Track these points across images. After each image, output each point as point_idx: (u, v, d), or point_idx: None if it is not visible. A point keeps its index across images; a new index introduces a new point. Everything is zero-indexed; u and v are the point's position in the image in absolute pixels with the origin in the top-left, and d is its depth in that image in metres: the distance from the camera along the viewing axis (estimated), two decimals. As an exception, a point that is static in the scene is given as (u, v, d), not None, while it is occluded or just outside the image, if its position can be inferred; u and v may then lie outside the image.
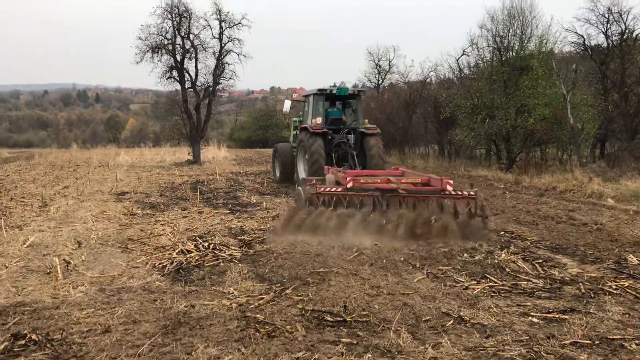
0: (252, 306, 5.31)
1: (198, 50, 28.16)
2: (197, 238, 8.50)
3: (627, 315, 5.12)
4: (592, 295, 5.77)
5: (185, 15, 27.52)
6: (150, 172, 23.10)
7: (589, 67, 22.95)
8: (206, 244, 8.01)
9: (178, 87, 29.00)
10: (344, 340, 4.46)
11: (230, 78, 28.99)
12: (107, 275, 6.48)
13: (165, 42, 27.60)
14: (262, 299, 5.54)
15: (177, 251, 7.61)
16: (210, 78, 28.63)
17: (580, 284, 6.13)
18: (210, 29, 28.11)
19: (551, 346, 4.35)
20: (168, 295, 5.69)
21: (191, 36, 27.91)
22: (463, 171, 22.02)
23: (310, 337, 4.53)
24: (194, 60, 28.34)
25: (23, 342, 4.38)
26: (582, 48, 23.81)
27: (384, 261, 7.02)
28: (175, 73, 28.18)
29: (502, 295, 5.78)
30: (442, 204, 8.96)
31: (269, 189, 16.39)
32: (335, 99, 16.63)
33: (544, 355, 4.17)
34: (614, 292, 5.85)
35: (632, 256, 7.40)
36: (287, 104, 18.05)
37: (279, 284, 6.06)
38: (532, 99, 20.66)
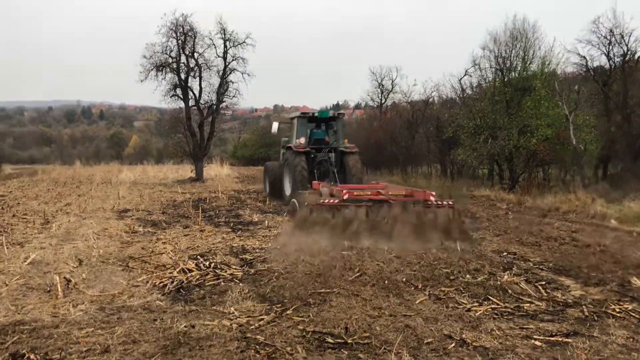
0: (253, 327, 5.27)
1: (202, 69, 28.36)
2: (199, 257, 8.48)
3: (631, 340, 5.06)
4: (596, 318, 5.72)
5: (190, 34, 27.75)
6: (152, 190, 23.11)
7: (592, 88, 23.03)
8: (207, 263, 7.99)
9: (182, 104, 29.14)
10: (344, 362, 4.42)
11: (233, 96, 29.16)
12: (108, 294, 6.45)
13: (170, 60, 27.80)
14: (262, 319, 5.50)
15: (178, 270, 7.59)
16: (214, 96, 28.80)
17: (584, 306, 6.08)
18: (215, 47, 28.34)
19: (554, 370, 4.30)
20: (168, 314, 5.66)
21: (196, 55, 28.13)
22: (465, 191, 21.97)
23: (311, 359, 4.49)
24: (198, 78, 28.53)
25: (21, 361, 4.35)
26: (584, 69, 23.92)
27: (386, 282, 6.98)
28: (179, 91, 28.34)
29: (505, 317, 5.74)
30: (426, 211, 10.18)
31: (271, 207, 16.38)
32: (319, 121, 18.10)
33: (547, 379, 4.12)
34: (618, 315, 5.80)
35: (636, 279, 7.34)
36: (275, 126, 19.74)
37: (280, 304, 6.03)
38: (535, 120, 20.71)
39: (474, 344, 4.90)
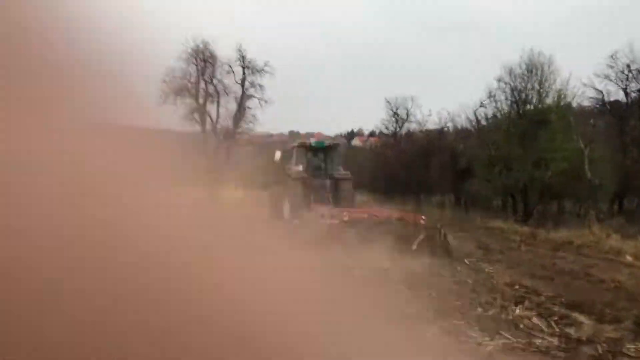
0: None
1: (220, 95, 28.72)
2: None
3: (646, 381, 4.92)
4: (610, 357, 5.56)
5: (209, 60, 28.19)
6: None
7: (608, 123, 22.92)
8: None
9: (199, 129, 29.45)
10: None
11: (250, 122, 29.44)
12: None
13: (189, 85, 28.21)
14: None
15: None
16: (230, 121, 29.08)
17: (598, 344, 5.93)
18: (233, 74, 28.73)
19: (566, 410, 4.18)
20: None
21: (214, 81, 28.53)
22: (479, 222, 21.79)
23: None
24: (215, 103, 28.88)
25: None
26: (600, 103, 23.84)
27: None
28: (197, 115, 28.68)
29: (517, 353, 5.61)
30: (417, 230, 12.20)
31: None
32: (316, 150, 19.78)
33: (559, 420, 4.00)
34: (633, 355, 5.64)
35: (651, 317, 7.17)
36: (278, 154, 20.96)
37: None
38: (550, 153, 20.60)
39: (484, 379, 4.79)
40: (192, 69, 28.16)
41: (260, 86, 28.77)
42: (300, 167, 18.82)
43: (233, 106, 29.02)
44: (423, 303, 7.48)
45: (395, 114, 41.12)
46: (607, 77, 22.70)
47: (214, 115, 29.01)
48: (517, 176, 20.99)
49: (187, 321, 0.58)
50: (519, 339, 6.04)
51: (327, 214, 12.97)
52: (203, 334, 0.58)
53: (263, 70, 28.64)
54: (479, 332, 6.24)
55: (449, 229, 18.68)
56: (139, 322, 0.55)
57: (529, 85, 22.88)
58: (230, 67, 28.60)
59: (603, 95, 23.25)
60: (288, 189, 18.08)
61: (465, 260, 11.45)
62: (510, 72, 23.24)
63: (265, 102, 28.93)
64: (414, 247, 10.85)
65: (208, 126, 29.16)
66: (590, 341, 6.08)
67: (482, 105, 28.75)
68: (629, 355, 5.62)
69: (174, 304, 0.58)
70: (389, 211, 14.07)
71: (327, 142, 20.39)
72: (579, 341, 6.08)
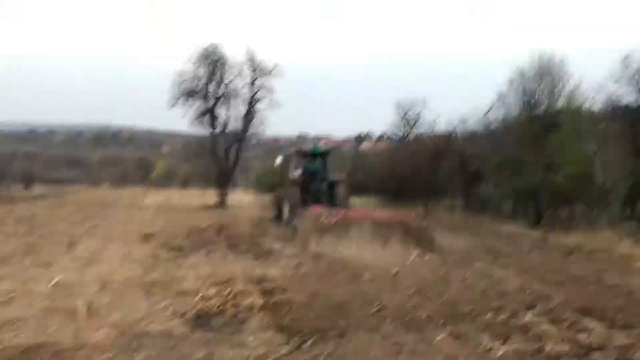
0: (270, 359, 5.25)
1: (230, 97, 28.83)
2: (220, 284, 8.50)
3: (657, 387, 4.91)
4: (621, 363, 5.56)
5: (219, 63, 28.30)
6: (177, 214, 23.33)
7: (620, 126, 22.77)
8: (228, 291, 8.00)
9: (209, 131, 29.57)
10: (362, 399, 4.37)
11: (259, 125, 29.52)
12: (129, 319, 6.49)
13: (199, 88, 28.34)
14: (280, 351, 5.48)
15: (199, 296, 7.61)
16: (240, 124, 29.18)
17: (609, 350, 5.93)
18: (243, 77, 28.82)
19: (577, 417, 4.19)
20: (187, 342, 5.68)
21: (224, 83, 28.62)
22: (489, 226, 21.72)
23: (329, 394, 4.45)
24: (225, 106, 28.98)
25: (43, 384, 4.40)
26: (612, 107, 23.68)
27: (406, 318, 6.91)
28: (206, 118, 28.80)
29: (527, 358, 5.62)
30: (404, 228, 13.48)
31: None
32: (313, 155, 21.26)
33: None
34: (644, 361, 5.63)
35: (663, 323, 7.14)
36: (279, 159, 23.01)
37: (298, 336, 6.00)
38: (561, 157, 20.50)
39: (495, 385, 4.81)
40: (202, 71, 28.31)
41: (269, 89, 28.85)
42: (299, 172, 20.31)
43: (242, 109, 29.15)
44: (433, 308, 7.50)
45: (405, 117, 41.12)
46: (619, 80, 22.56)
47: (223, 118, 29.15)
48: (528, 180, 20.90)
49: None
50: (530, 345, 6.05)
51: (325, 214, 14.19)
52: None
53: (272, 72, 28.70)
54: (489, 338, 6.25)
55: (458, 232, 18.70)
56: None
57: (540, 88, 22.79)
58: (240, 69, 28.72)
59: (615, 99, 23.12)
60: (287, 192, 19.60)
61: (476, 265, 11.44)
62: (521, 74, 23.18)
63: (275, 104, 28.99)
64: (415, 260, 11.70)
65: (218, 129, 29.28)
66: (601, 347, 6.08)
67: (492, 108, 28.67)
68: (640, 362, 5.61)
69: None
70: (381, 212, 16.25)
71: (322, 148, 22.26)
72: (590, 347, 6.08)
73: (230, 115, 29.18)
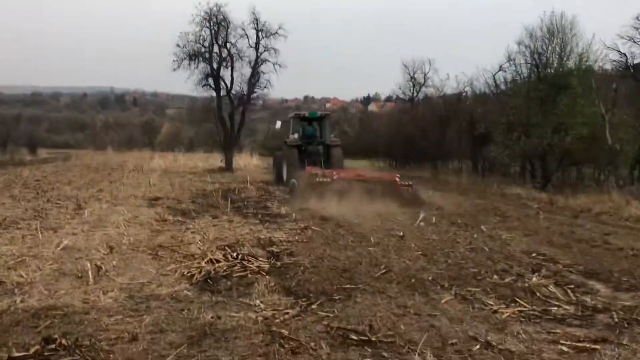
0: (278, 320, 5.33)
1: (234, 59, 28.60)
2: (226, 247, 8.57)
3: (661, 349, 4.96)
4: (626, 325, 5.61)
5: (223, 24, 27.99)
6: (183, 178, 23.43)
7: (631, 87, 22.49)
8: (235, 254, 8.06)
9: (213, 94, 29.44)
10: (368, 360, 4.45)
11: (265, 87, 29.34)
12: (137, 282, 6.59)
13: (203, 50, 28.08)
14: (287, 313, 5.56)
15: (206, 260, 7.68)
16: (245, 86, 29.03)
17: (614, 312, 5.98)
18: (247, 38, 28.55)
19: (580, 377, 4.25)
20: (195, 305, 5.76)
21: (228, 45, 28.40)
22: (496, 189, 21.72)
23: (335, 356, 4.53)
24: (229, 68, 28.78)
25: (53, 346, 4.48)
26: (623, 67, 23.35)
27: (412, 280, 6.97)
28: (211, 81, 28.67)
29: (532, 321, 5.68)
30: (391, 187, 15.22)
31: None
32: (310, 120, 22.41)
33: (573, 386, 4.08)
34: (649, 323, 5.68)
35: (669, 285, 7.18)
36: (279, 124, 24.80)
37: (305, 299, 6.08)
38: (570, 118, 20.33)
39: (499, 346, 4.87)
40: (206, 33, 28.00)
41: (275, 50, 28.56)
42: (296, 135, 21.64)
43: (247, 71, 28.91)
44: (439, 270, 7.56)
45: (413, 78, 40.73)
46: (631, 38, 22.18)
47: (228, 80, 28.95)
48: (536, 142, 20.78)
49: None
50: (535, 307, 6.11)
51: (319, 175, 15.78)
52: None
53: (277, 33, 28.36)
54: (494, 300, 6.32)
55: (466, 195, 18.74)
56: None
57: (550, 49, 22.43)
58: (244, 30, 28.39)
59: (627, 58, 22.78)
60: (286, 155, 21.03)
61: (482, 227, 11.48)
62: (531, 34, 22.79)
63: (280, 66, 28.73)
64: (421, 223, 11.67)
65: (222, 91, 29.11)
66: (606, 309, 6.13)
67: (501, 69, 28.32)
68: (645, 324, 5.65)
69: None
70: (371, 172, 17.87)
71: (319, 113, 23.24)
72: (594, 309, 6.13)
73: (235, 77, 28.98)
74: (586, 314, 5.98)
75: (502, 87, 28.42)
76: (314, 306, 5.81)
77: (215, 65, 28.44)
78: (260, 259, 7.98)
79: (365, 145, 40.94)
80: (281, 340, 4.77)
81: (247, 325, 5.17)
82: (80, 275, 6.74)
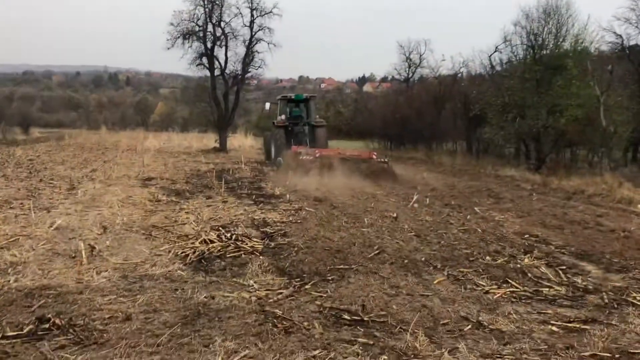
0: (271, 300, 5.37)
1: (228, 38, 28.36)
2: (220, 228, 8.59)
3: (650, 329, 5.03)
4: (615, 305, 5.68)
5: (217, 2, 27.70)
6: (176, 158, 23.38)
7: (626, 68, 22.47)
8: (229, 235, 8.08)
9: (207, 73, 29.22)
10: (360, 340, 4.49)
11: (259, 67, 29.15)
12: (131, 262, 6.61)
13: (197, 28, 27.84)
14: (281, 293, 5.60)
15: (199, 240, 7.71)
16: (239, 66, 28.83)
17: (604, 293, 6.04)
18: (242, 16, 28.27)
19: (570, 357, 4.32)
20: (189, 285, 5.79)
21: (222, 24, 28.14)
22: (490, 170, 21.77)
23: (327, 335, 4.57)
24: (224, 47, 28.55)
25: (47, 325, 4.51)
26: (619, 48, 23.31)
27: (405, 261, 7.02)
28: (205, 60, 28.43)
29: (523, 301, 5.75)
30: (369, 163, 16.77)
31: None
32: (296, 101, 23.37)
33: (562, 366, 4.14)
34: (638, 303, 5.75)
35: (659, 267, 7.25)
36: (267, 105, 25.17)
37: (298, 279, 6.12)
38: (565, 99, 20.33)
39: (491, 326, 4.93)
40: (200, 11, 27.73)
41: (269, 29, 28.32)
42: (284, 117, 22.65)
43: (242, 50, 28.69)
44: (431, 251, 7.62)
45: (408, 58, 40.51)
46: (627, 20, 22.15)
47: (222, 60, 28.73)
48: (531, 123, 20.79)
49: None
50: (527, 288, 6.17)
51: (304, 152, 17.15)
52: None
53: (272, 12, 28.10)
54: (486, 280, 6.38)
55: (460, 176, 18.83)
56: None
57: (546, 30, 22.33)
58: (239, 9, 28.13)
59: (622, 40, 22.74)
60: (274, 135, 22.02)
61: (476, 209, 11.54)
62: (527, 15, 22.68)
63: (275, 45, 28.51)
64: (415, 205, 11.87)
65: (216, 71, 28.91)
66: (596, 290, 6.20)
67: (497, 50, 28.15)
68: (634, 304, 5.73)
69: None
70: (351, 150, 19.24)
71: (305, 95, 24.29)
72: (585, 290, 6.20)
73: (229, 56, 28.77)
74: (577, 294, 6.05)
75: (498, 68, 28.36)
76: (307, 286, 5.86)
77: (209, 45, 28.20)
78: (254, 239, 8.01)
79: (360, 126, 40.81)
80: (274, 320, 4.81)
81: (240, 305, 5.21)
82: (73, 255, 6.75)
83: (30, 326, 4.48)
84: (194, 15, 27.65)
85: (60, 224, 8.37)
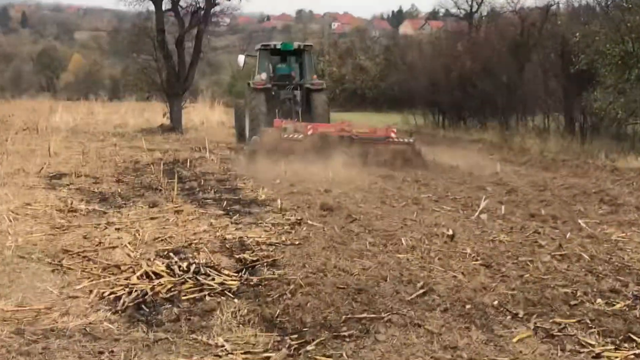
0: (252, 371, 5.39)
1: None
2: (172, 254, 8.62)
3: None
4: None
5: None
6: (102, 143, 23.51)
7: None
8: (185, 265, 8.10)
9: (151, 7, 29.31)
10: None
11: (232, -4, 29.16)
12: (29, 309, 6.62)
13: None
14: (268, 358, 5.60)
15: (138, 274, 7.72)
16: (202, -2, 28.82)
17: None
18: None
19: None
20: (122, 345, 5.80)
21: None
22: (604, 160, 21.66)
23: None
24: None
25: None
26: None
27: (467, 306, 7.00)
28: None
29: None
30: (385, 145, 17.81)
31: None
32: (283, 54, 24.42)
33: None
34: None
35: None
36: (241, 59, 26.56)
37: (296, 336, 6.12)
38: None
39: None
40: None
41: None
42: (264, 76, 23.31)
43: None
44: (510, 290, 7.61)
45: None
46: None
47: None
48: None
49: None
50: None
51: (290, 129, 17.86)
52: None
53: None
54: (597, 337, 6.35)
55: (554, 170, 18.74)
56: None
57: None
58: None
59: None
60: (250, 102, 22.83)
61: (580, 222, 11.47)
62: None
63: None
64: (482, 216, 11.75)
65: (165, 4, 28.97)
66: None
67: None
68: None
69: None
70: (362, 126, 19.84)
71: (296, 44, 25.39)
72: None
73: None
74: None
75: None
76: (309, 347, 5.85)
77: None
78: (226, 271, 8.02)
79: (394, 91, 40.83)
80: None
81: (204, 378, 5.23)
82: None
83: None
84: None
85: None
